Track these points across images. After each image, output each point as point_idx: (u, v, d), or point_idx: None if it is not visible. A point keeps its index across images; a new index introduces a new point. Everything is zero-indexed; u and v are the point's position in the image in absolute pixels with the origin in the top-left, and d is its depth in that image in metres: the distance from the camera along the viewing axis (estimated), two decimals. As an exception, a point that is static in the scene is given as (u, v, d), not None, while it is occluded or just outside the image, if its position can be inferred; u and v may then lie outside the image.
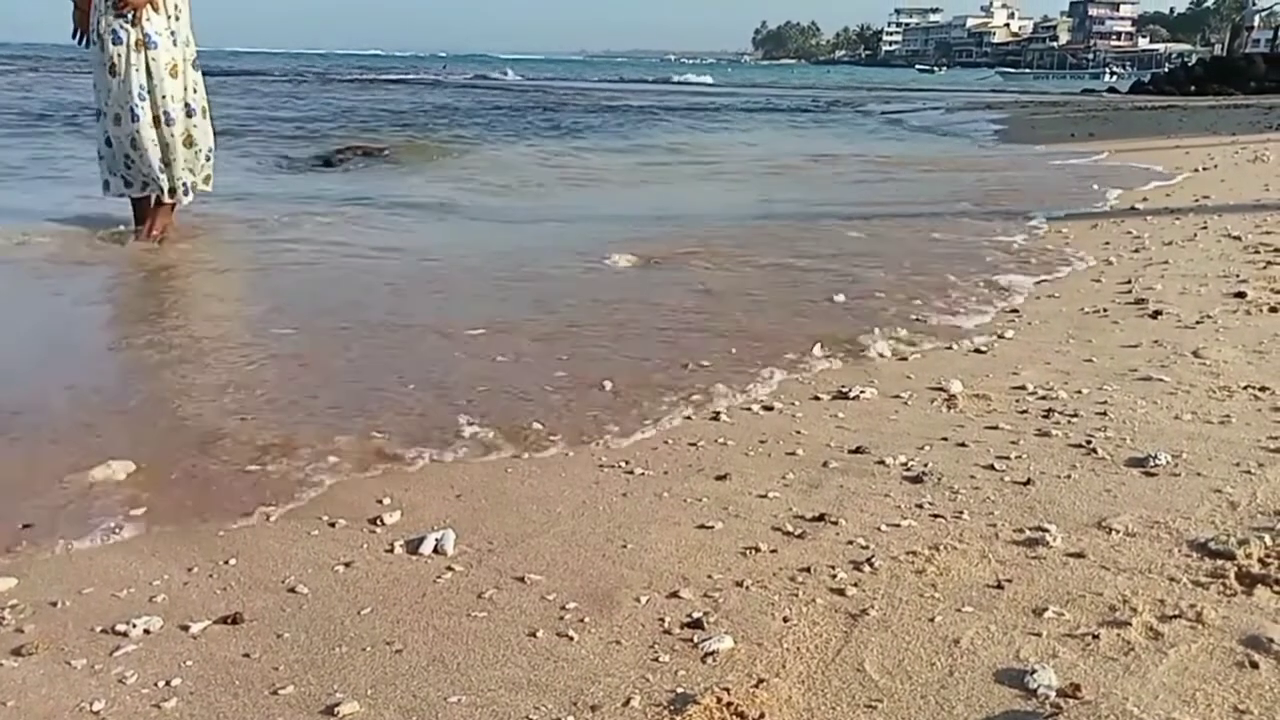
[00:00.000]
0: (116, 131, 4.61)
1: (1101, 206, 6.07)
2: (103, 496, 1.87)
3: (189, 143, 4.73)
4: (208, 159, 4.87)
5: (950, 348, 2.96)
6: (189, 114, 4.72)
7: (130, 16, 4.47)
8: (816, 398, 2.49)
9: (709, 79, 45.25)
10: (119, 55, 4.51)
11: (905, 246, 4.65)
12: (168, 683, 1.31)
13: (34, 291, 3.73)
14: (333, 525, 1.78)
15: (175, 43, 4.61)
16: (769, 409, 2.41)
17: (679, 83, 40.19)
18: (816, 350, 2.85)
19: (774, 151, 10.46)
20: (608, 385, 2.53)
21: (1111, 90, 35.33)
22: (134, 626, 1.44)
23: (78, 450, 2.08)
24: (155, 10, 4.51)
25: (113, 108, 4.59)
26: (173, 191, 4.68)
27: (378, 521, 1.79)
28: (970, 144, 12.24)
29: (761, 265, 4.19)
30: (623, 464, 2.07)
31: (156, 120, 4.60)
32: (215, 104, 5.18)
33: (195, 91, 4.76)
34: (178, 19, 4.62)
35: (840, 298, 3.52)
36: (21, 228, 4.70)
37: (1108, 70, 61.20)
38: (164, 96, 4.58)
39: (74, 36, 4.70)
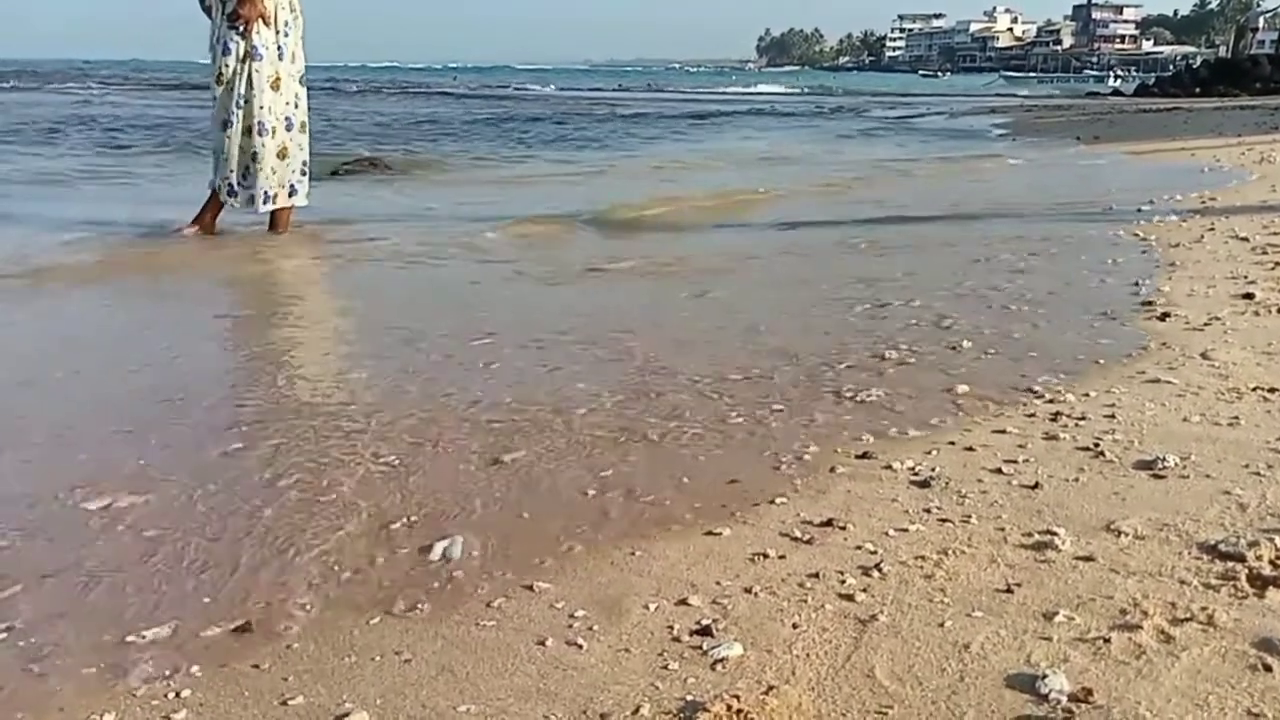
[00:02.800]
0: (219, 136, 4.90)
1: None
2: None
3: (283, 155, 4.99)
4: (304, 173, 5.13)
5: (954, 348, 2.95)
6: (288, 127, 4.98)
7: (242, 29, 4.76)
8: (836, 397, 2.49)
9: (781, 87, 46.13)
10: (226, 66, 4.82)
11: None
12: (177, 693, 1.31)
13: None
14: (342, 530, 1.78)
15: (281, 57, 4.90)
16: (777, 413, 2.41)
17: (753, 92, 40.39)
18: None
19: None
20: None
21: (1116, 93, 35.30)
22: (143, 637, 1.44)
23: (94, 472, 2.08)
24: (265, 25, 4.80)
25: (219, 115, 4.89)
26: (250, 201, 4.95)
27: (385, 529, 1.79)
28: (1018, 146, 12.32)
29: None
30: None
31: (249, 130, 4.87)
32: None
33: (296, 106, 5.03)
34: (286, 35, 4.91)
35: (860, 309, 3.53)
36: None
37: (1111, 73, 60.84)
38: (261, 107, 4.87)
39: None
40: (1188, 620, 1.43)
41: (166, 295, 4.08)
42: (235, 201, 4.95)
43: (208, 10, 4.90)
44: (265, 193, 4.93)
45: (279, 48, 4.87)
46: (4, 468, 2.11)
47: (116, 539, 1.75)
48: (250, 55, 4.79)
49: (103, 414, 2.46)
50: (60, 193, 6.90)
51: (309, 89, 5.17)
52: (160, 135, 11.97)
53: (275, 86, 4.88)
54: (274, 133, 4.90)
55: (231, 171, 4.89)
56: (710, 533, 1.77)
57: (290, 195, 5.04)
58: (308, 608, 1.53)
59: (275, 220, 5.08)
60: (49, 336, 3.32)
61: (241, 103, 4.83)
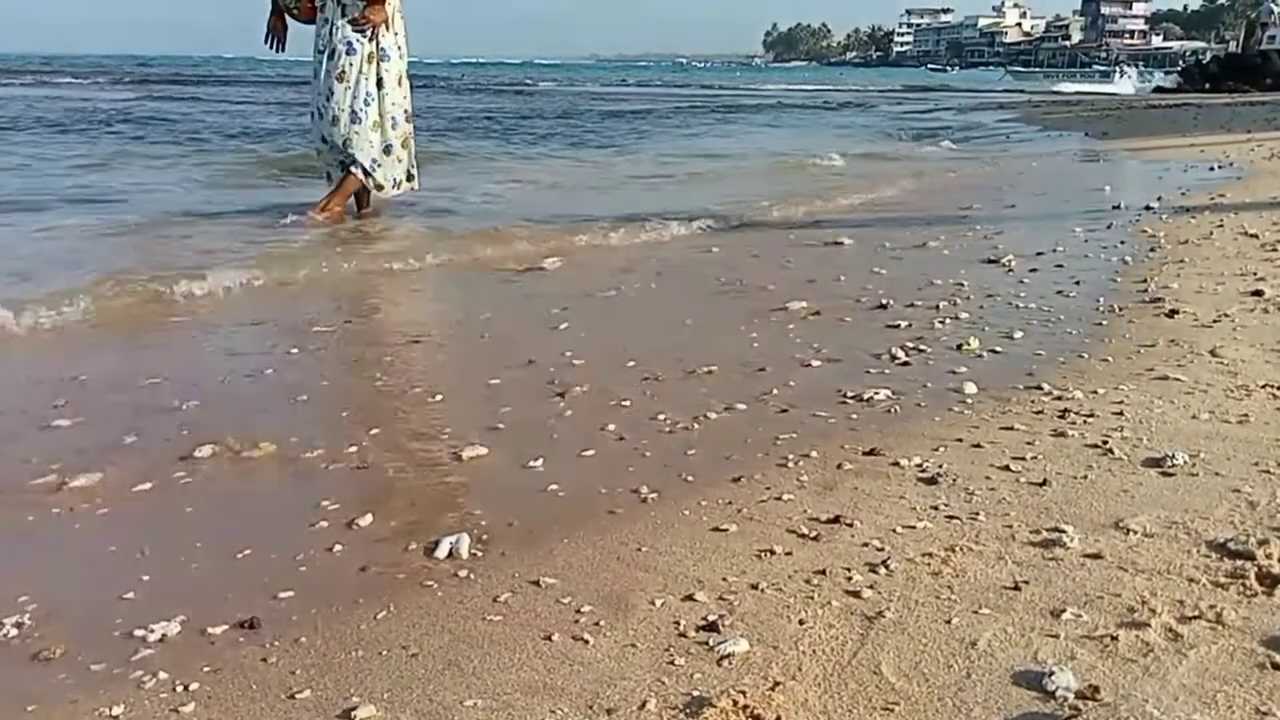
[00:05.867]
0: (333, 131, 5.23)
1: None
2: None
3: (405, 144, 5.43)
4: (415, 162, 5.57)
5: (960, 346, 2.94)
6: (408, 119, 5.43)
7: (369, 33, 5.16)
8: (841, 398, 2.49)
9: (816, 84, 45.93)
10: (349, 65, 5.19)
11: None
12: (185, 687, 1.32)
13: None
14: (349, 527, 1.79)
15: (401, 55, 5.33)
16: (784, 411, 2.41)
17: (779, 89, 39.88)
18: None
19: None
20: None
21: (1127, 90, 35.07)
22: (152, 631, 1.44)
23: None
24: (387, 29, 5.22)
25: (333, 110, 5.21)
26: (379, 187, 5.38)
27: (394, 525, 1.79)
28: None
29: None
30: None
31: (378, 124, 5.28)
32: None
33: (406, 99, 5.45)
34: (397, 34, 5.30)
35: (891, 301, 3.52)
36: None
37: (1118, 70, 59.55)
38: (393, 103, 5.32)
39: (265, 41, 5.39)
40: (1196, 618, 1.42)
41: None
42: (370, 183, 5.32)
43: (285, 10, 5.24)
44: (394, 179, 5.40)
45: (399, 48, 5.29)
46: None
47: (124, 533, 1.76)
48: (380, 56, 5.21)
49: (100, 410, 2.47)
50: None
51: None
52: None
53: (400, 83, 5.32)
54: (400, 125, 5.34)
55: (361, 162, 5.23)
56: (717, 529, 1.77)
57: (408, 180, 5.49)
58: (315, 603, 1.54)
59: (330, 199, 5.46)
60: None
61: (370, 100, 5.22)
